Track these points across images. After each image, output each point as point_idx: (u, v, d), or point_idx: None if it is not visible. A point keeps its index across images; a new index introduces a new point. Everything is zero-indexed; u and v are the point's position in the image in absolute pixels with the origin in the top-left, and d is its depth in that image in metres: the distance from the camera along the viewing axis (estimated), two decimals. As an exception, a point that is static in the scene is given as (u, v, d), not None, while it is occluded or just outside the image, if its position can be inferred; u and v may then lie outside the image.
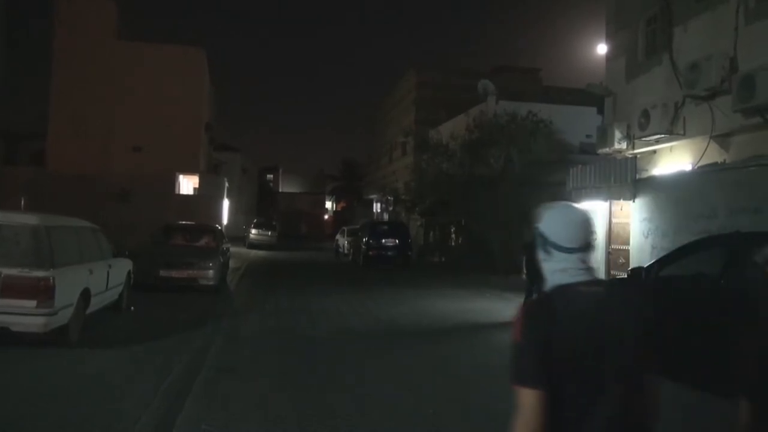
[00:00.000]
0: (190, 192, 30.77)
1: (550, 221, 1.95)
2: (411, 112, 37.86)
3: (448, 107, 30.03)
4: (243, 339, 8.78)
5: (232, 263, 18.25)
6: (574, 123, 21.01)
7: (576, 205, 2.10)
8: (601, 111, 15.73)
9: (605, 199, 12.49)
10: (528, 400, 1.74)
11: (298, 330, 9.63)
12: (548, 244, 1.92)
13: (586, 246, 1.91)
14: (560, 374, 1.74)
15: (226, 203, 32.39)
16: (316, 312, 11.52)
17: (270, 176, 68.00)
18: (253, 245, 31.94)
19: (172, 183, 28.38)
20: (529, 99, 24.09)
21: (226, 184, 32.43)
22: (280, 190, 68.69)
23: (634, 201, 11.42)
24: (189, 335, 8.55)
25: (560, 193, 14.69)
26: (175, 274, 12.71)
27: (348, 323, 10.18)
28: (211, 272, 12.99)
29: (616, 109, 13.71)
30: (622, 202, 12.18)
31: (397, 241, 22.75)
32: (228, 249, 16.83)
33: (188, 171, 29.40)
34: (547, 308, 1.81)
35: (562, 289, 1.84)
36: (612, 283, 2.13)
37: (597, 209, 13.14)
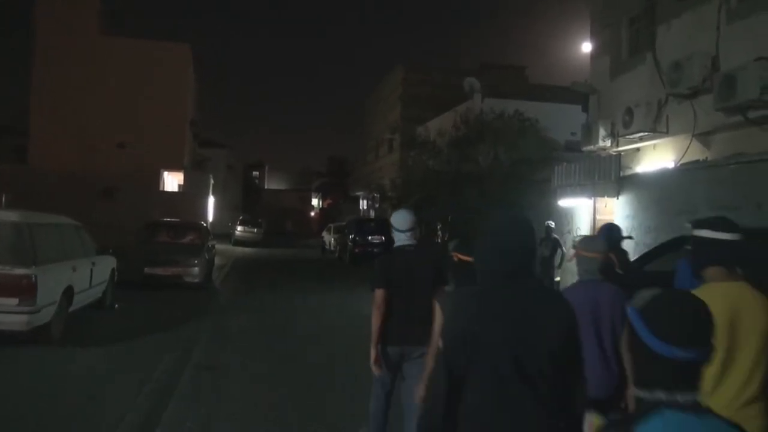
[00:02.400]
0: (175, 189, 30.54)
1: (395, 217, 4.17)
2: (397, 109, 37.87)
3: (434, 104, 30.09)
4: (228, 336, 8.76)
5: (217, 260, 18.17)
6: (560, 121, 21.14)
7: (407, 211, 4.33)
8: (585, 109, 15.84)
9: (590, 197, 12.59)
10: (379, 294, 3.91)
11: (284, 327, 9.63)
12: (393, 228, 4.10)
13: (412, 229, 4.07)
14: (393, 286, 3.91)
15: (211, 200, 32.18)
16: (302, 309, 11.52)
17: (256, 173, 67.66)
18: (239, 242, 31.82)
19: (157, 180, 28.14)
20: (515, 96, 24.21)
21: (212, 181, 32.23)
22: (266, 187, 68.41)
23: (618, 198, 11.53)
24: (174, 333, 8.52)
25: (546, 190, 14.80)
26: (159, 271, 12.65)
27: (333, 320, 10.18)
28: (196, 269, 12.94)
29: (601, 107, 13.82)
30: (606, 199, 12.29)
31: (383, 238, 22.76)
32: (213, 246, 16.76)
33: (173, 168, 29.16)
34: (389, 257, 4.14)
35: (398, 249, 4.09)
36: (419, 247, 4.15)
37: (582, 206, 13.26)
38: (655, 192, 10.40)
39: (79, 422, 4.87)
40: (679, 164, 10.87)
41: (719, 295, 2.33)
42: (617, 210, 11.63)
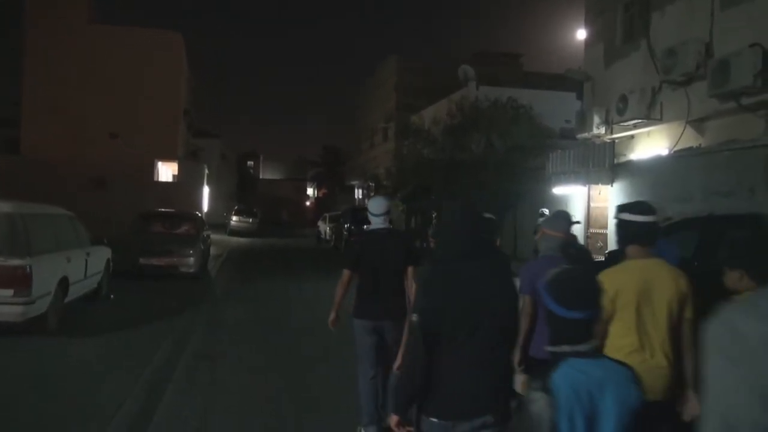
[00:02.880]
0: (169, 179, 30.42)
1: (371, 203, 4.59)
2: (392, 98, 37.76)
3: (429, 93, 30.00)
4: (224, 326, 8.77)
5: (212, 250, 18.14)
6: (554, 108, 21.13)
7: (383, 197, 4.71)
8: (580, 96, 15.86)
9: (584, 184, 12.62)
10: (345, 273, 4.46)
11: (279, 318, 9.65)
12: (369, 213, 4.51)
13: (385, 213, 4.49)
14: (364, 265, 4.38)
15: (206, 190, 32.08)
16: (297, 300, 11.53)
17: (250, 163, 67.45)
18: (234, 232, 31.75)
19: (151, 170, 28.01)
20: (510, 84, 24.18)
21: (206, 171, 32.10)
22: (261, 177, 68.21)
23: (612, 185, 11.56)
24: (169, 323, 8.51)
25: (541, 177, 14.81)
26: (155, 261, 12.61)
27: (329, 311, 10.17)
28: (191, 259, 12.92)
29: (595, 95, 13.82)
30: (600, 186, 12.33)
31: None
32: (209, 236, 16.72)
33: (167, 158, 29.02)
34: (362, 239, 4.65)
35: (371, 231, 4.52)
36: (391, 230, 4.58)
37: (576, 194, 13.29)
38: (649, 179, 10.43)
39: (77, 411, 4.88)
40: (673, 151, 10.90)
41: (637, 269, 2.79)
42: (611, 197, 11.67)
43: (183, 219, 15.19)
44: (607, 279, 2.63)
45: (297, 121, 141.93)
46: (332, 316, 4.65)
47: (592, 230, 13.11)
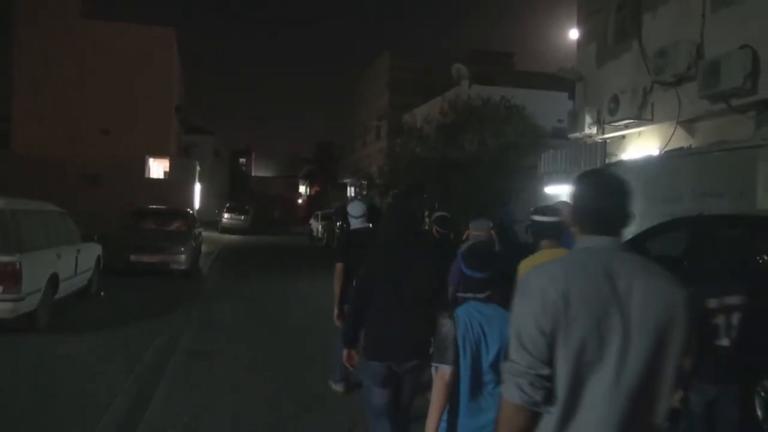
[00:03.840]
0: (161, 176, 30.28)
1: (350, 207, 5.58)
2: (384, 96, 37.72)
3: (421, 91, 30.00)
4: (216, 324, 8.76)
5: (204, 248, 18.11)
6: (547, 108, 21.19)
7: (360, 201, 5.91)
8: (572, 96, 15.90)
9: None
10: (339, 266, 5.20)
11: (272, 315, 9.65)
12: (350, 216, 5.49)
13: (363, 215, 5.42)
14: (351, 260, 4.89)
15: (198, 187, 31.93)
16: (290, 297, 11.53)
17: (243, 160, 67.18)
18: (226, 230, 31.68)
19: (142, 166, 27.85)
20: (503, 83, 24.21)
21: (198, 168, 31.97)
22: (253, 175, 67.97)
23: (603, 185, 11.63)
24: (161, 320, 8.50)
25: (533, 176, 14.87)
26: (146, 258, 12.58)
27: (324, 309, 10.16)
28: (183, 257, 12.90)
29: (587, 95, 13.88)
30: (591, 186, 12.38)
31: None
32: (200, 233, 16.68)
33: (159, 154, 28.87)
34: (348, 237, 5.58)
35: (353, 230, 5.48)
36: (370, 228, 5.44)
37: (567, 193, 13.36)
38: (639, 179, 10.47)
39: (68, 408, 4.87)
40: (663, 151, 10.97)
41: (548, 255, 3.31)
42: (603, 197, 11.72)
43: (174, 216, 15.16)
44: (527, 264, 3.34)
45: (293, 117, 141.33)
46: (336, 311, 5.15)
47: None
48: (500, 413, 1.70)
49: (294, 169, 66.63)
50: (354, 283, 3.81)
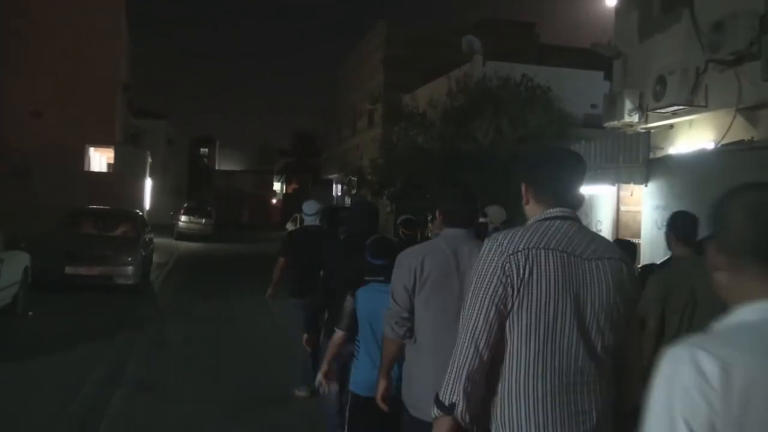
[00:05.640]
0: (104, 168, 30.23)
1: (304, 205, 7.11)
2: (379, 74, 37.76)
3: (424, 69, 30.05)
4: (167, 351, 8.76)
5: (156, 257, 18.05)
6: (578, 90, 21.24)
7: (313, 199, 7.50)
8: (609, 76, 15.94)
9: (613, 183, 12.70)
10: (280, 260, 7.10)
11: (233, 341, 9.64)
12: (303, 213, 7.16)
13: (315, 213, 7.07)
14: (296, 255, 6.75)
15: (148, 183, 31.90)
16: (258, 321, 11.48)
17: (204, 150, 67.12)
18: (183, 236, 31.66)
19: (81, 157, 27.82)
20: (523, 60, 24.25)
21: (149, 159, 31.93)
22: (217, 168, 67.93)
23: (646, 185, 11.64)
24: (102, 346, 8.48)
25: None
26: (84, 270, 12.55)
27: (291, 333, 10.14)
28: (129, 268, 12.89)
29: (627, 75, 13.92)
30: (632, 186, 12.40)
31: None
32: (151, 240, 16.64)
33: (101, 142, 28.83)
34: (296, 234, 7.95)
35: (304, 227, 7.35)
36: (319, 227, 7.01)
37: (603, 195, 13.37)
38: (690, 178, 10.52)
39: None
40: (719, 145, 11.00)
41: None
42: (645, 199, 11.76)
43: (120, 218, 15.17)
44: None
45: (263, 100, 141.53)
46: (270, 291, 7.21)
47: (621, 238, 13.17)
48: (382, 346, 3.43)
49: (267, 163, 66.61)
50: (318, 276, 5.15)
